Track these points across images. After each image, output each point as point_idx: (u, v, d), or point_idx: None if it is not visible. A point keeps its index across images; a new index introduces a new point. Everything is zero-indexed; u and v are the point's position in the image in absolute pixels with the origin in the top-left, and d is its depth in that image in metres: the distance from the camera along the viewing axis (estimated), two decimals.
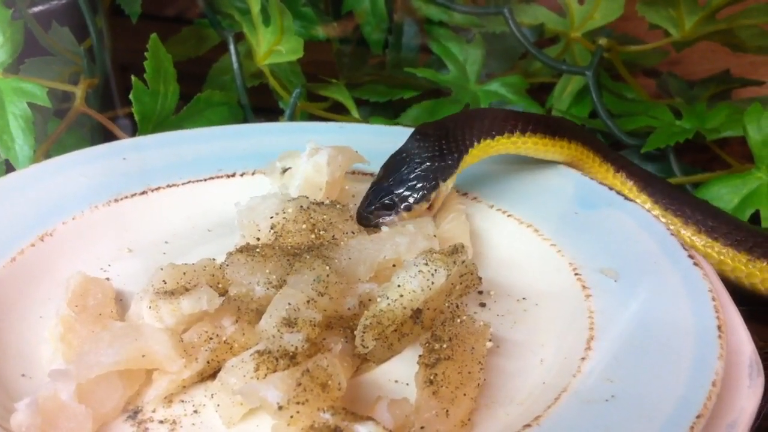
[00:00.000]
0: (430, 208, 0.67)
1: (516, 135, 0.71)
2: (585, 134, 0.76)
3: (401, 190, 0.66)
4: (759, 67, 1.03)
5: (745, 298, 0.67)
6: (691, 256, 0.62)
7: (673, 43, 0.94)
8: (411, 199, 0.66)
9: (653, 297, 0.59)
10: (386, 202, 0.65)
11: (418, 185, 0.66)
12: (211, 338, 0.56)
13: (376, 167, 0.70)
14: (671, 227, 0.71)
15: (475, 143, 0.70)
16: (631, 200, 0.69)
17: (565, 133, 0.73)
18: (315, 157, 0.70)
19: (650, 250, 0.63)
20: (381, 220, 0.65)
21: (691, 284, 0.59)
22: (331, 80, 0.96)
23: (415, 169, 0.67)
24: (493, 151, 0.71)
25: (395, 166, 0.68)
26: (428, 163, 0.67)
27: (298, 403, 0.49)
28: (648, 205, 0.73)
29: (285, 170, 0.72)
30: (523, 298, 0.64)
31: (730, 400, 0.53)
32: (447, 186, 0.68)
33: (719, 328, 0.55)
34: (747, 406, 0.53)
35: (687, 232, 0.71)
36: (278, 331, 0.53)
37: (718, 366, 0.52)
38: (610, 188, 0.71)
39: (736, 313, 0.59)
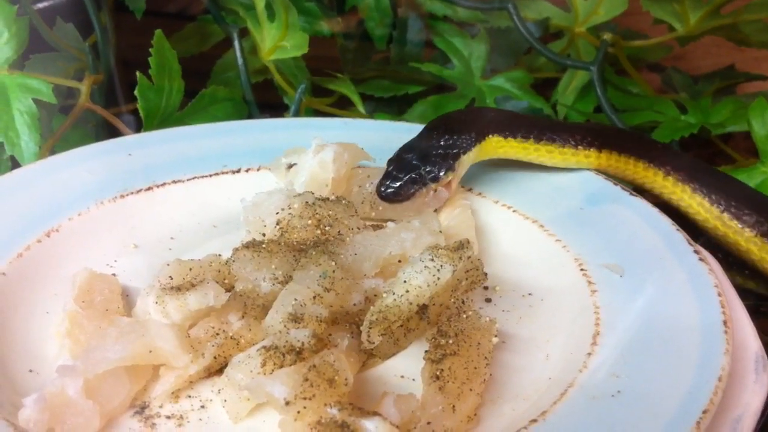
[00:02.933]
0: (449, 184, 0.67)
1: (529, 141, 0.71)
2: (625, 139, 0.73)
3: (426, 164, 0.66)
4: (763, 62, 1.03)
5: (751, 292, 0.67)
6: (696, 252, 0.62)
7: (678, 38, 0.94)
8: (437, 170, 0.66)
9: (659, 292, 0.59)
10: (413, 176, 0.65)
11: (441, 157, 0.66)
12: (217, 334, 0.56)
13: (381, 163, 0.70)
14: (728, 231, 0.69)
15: (488, 136, 0.70)
16: (636, 196, 0.69)
17: (594, 142, 0.72)
18: (321, 153, 0.70)
19: (656, 246, 0.63)
20: (410, 192, 0.65)
21: (697, 280, 0.59)
22: (336, 75, 0.96)
23: (436, 144, 0.67)
24: (502, 151, 0.71)
25: (414, 146, 0.68)
26: (447, 136, 0.67)
27: (304, 398, 0.49)
28: (704, 208, 0.70)
29: (290, 166, 0.72)
30: (529, 294, 0.64)
31: (736, 395, 0.53)
32: (467, 159, 0.68)
33: (725, 323, 0.55)
34: (753, 401, 0.53)
35: (743, 237, 0.68)
36: (285, 326, 0.54)
37: (724, 361, 0.52)
38: (615, 184, 0.71)
39: (742, 308, 0.59)
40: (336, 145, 0.70)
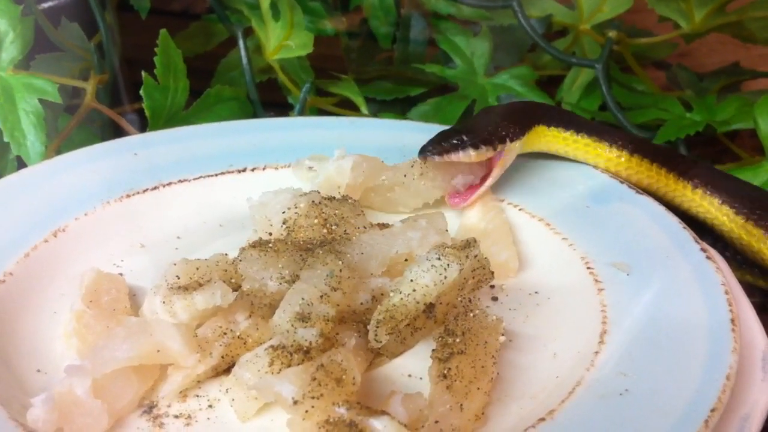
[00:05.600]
0: (494, 165, 0.69)
1: (570, 132, 0.73)
2: (657, 149, 0.74)
3: (469, 135, 0.68)
4: None
5: (757, 289, 0.67)
6: (703, 250, 0.62)
7: (683, 35, 0.94)
8: (479, 141, 0.67)
9: (666, 291, 0.59)
10: (454, 141, 0.67)
11: (488, 134, 0.68)
12: (224, 333, 0.56)
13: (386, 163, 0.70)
14: (752, 239, 0.68)
15: (535, 126, 0.72)
16: (642, 194, 0.69)
17: (627, 145, 0.72)
18: (341, 161, 0.70)
19: (662, 244, 0.63)
20: (447, 156, 0.66)
21: (704, 278, 0.59)
22: (340, 76, 0.96)
23: (487, 122, 0.69)
24: (544, 141, 0.73)
25: (464, 125, 0.70)
26: (498, 121, 0.70)
27: (312, 397, 0.49)
28: (728, 219, 0.69)
29: (310, 169, 0.72)
30: (536, 292, 0.64)
31: (744, 394, 0.53)
32: (514, 147, 0.70)
33: (732, 321, 0.55)
34: (760, 399, 0.53)
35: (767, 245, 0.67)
36: (292, 326, 0.54)
37: (732, 360, 0.52)
38: (621, 182, 0.71)
39: (749, 306, 0.59)
40: (357, 155, 0.70)
